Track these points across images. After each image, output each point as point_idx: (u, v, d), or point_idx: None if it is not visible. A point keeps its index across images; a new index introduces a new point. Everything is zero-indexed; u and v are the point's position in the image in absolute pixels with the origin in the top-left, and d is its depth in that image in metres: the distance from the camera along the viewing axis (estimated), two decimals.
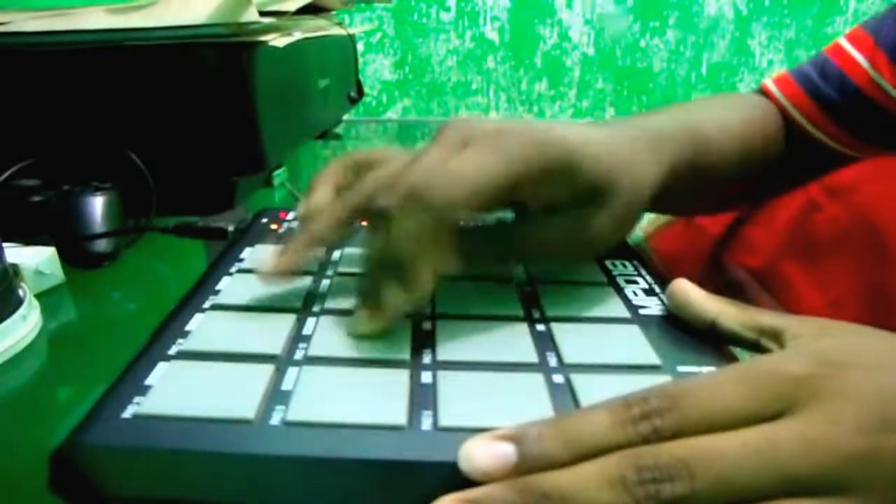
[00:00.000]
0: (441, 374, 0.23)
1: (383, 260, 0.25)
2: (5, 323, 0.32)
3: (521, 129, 0.27)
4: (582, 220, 0.29)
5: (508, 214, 0.31)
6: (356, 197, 0.29)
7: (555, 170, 0.27)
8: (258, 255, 0.33)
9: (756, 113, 0.47)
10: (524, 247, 0.29)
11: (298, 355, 0.24)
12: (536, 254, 0.30)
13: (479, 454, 0.19)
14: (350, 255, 0.34)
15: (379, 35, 1.44)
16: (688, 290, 0.27)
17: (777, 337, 0.24)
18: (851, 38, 0.47)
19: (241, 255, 0.33)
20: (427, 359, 0.24)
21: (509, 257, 0.30)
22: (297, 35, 0.54)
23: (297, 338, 0.25)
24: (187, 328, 0.26)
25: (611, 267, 0.33)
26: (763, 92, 0.49)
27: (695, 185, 0.38)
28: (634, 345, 0.26)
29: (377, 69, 1.46)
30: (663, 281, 0.32)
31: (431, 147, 0.26)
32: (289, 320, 0.26)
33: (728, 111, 0.45)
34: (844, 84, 0.46)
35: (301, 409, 0.21)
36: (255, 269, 0.29)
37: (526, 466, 0.18)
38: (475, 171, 0.25)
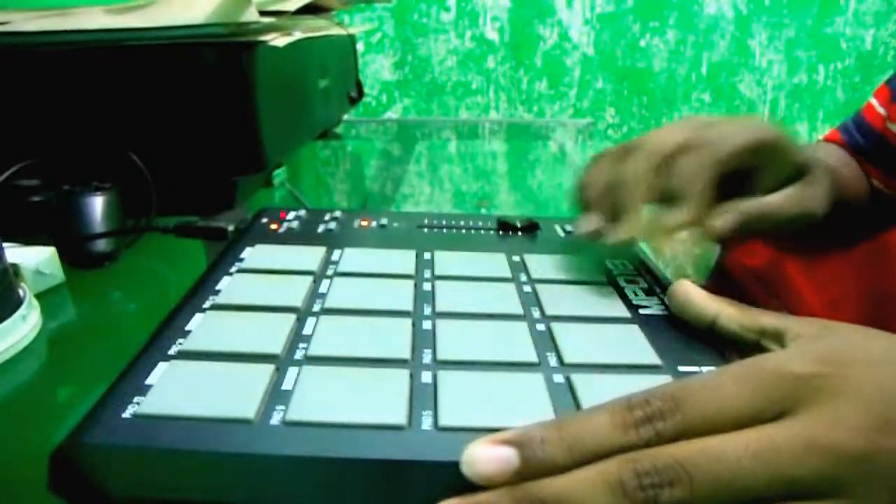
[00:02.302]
0: (441, 373, 0.23)
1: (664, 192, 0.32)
2: (5, 323, 0.32)
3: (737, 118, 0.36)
4: (797, 190, 0.35)
5: None
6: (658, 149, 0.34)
7: (777, 144, 0.34)
8: (259, 254, 0.33)
9: (842, 157, 0.53)
10: (763, 211, 0.34)
11: (298, 355, 0.24)
12: (772, 219, 0.34)
13: (481, 458, 0.19)
14: (350, 254, 0.34)
15: (379, 35, 1.44)
16: (689, 291, 0.27)
17: (778, 337, 0.24)
18: (878, 95, 0.54)
19: (241, 255, 0.33)
20: (427, 358, 0.24)
21: (751, 220, 0.34)
22: (297, 35, 0.54)
23: (297, 338, 0.25)
24: (187, 328, 0.26)
25: (611, 267, 0.33)
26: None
27: (831, 221, 0.41)
28: (634, 345, 0.26)
29: (377, 69, 1.46)
30: (663, 281, 0.32)
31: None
32: (289, 320, 0.26)
33: (838, 158, 0.52)
34: (871, 133, 0.53)
35: (301, 408, 0.21)
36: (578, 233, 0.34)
37: (528, 471, 0.18)
38: (737, 132, 0.33)
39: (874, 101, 0.54)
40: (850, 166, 0.53)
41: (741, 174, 0.34)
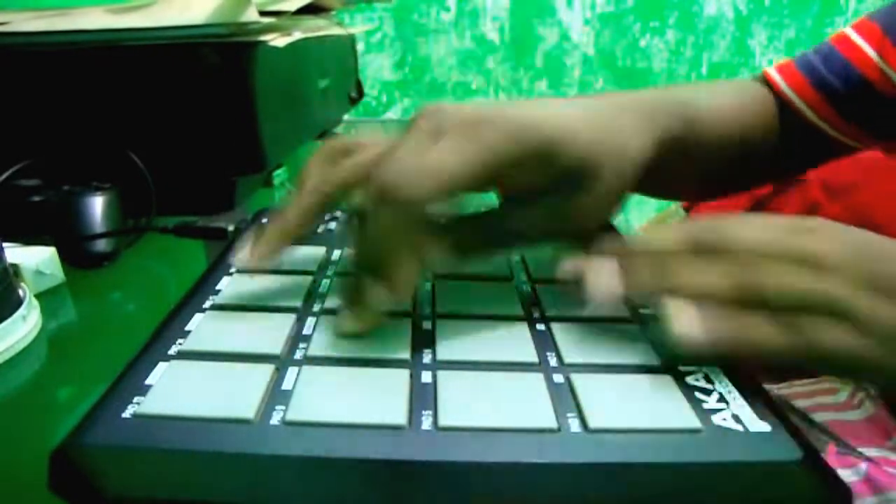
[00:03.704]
0: (441, 373, 0.23)
1: (362, 259, 0.25)
2: (5, 323, 0.32)
3: (496, 115, 0.26)
4: (566, 203, 0.28)
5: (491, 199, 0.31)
6: (326, 186, 0.29)
7: (531, 158, 0.26)
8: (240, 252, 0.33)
9: (749, 97, 0.46)
10: (509, 232, 0.29)
11: (298, 355, 0.24)
12: (522, 238, 0.29)
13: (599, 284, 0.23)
14: (350, 255, 0.34)
15: (379, 35, 1.44)
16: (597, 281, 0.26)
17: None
18: (858, 29, 0.46)
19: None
20: (427, 359, 0.24)
21: (495, 245, 0.30)
22: (297, 35, 0.54)
23: (297, 338, 0.25)
24: (187, 328, 0.26)
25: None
26: (764, 79, 0.49)
27: (684, 164, 0.37)
28: (634, 345, 0.26)
29: (377, 69, 1.46)
30: None
31: (405, 138, 0.26)
32: (289, 320, 0.26)
33: (721, 93, 0.45)
34: (850, 74, 0.46)
35: (301, 408, 0.21)
36: (235, 263, 0.30)
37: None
38: (447, 164, 0.24)
39: (854, 36, 0.46)
40: (756, 108, 0.46)
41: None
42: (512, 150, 0.26)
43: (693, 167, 0.39)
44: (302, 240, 0.30)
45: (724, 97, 0.43)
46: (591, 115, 0.29)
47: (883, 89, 0.45)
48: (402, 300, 0.25)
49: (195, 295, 0.29)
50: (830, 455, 0.45)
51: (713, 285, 0.24)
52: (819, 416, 0.49)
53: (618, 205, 0.30)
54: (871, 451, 0.45)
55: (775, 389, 0.52)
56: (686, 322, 0.23)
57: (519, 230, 0.29)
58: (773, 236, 0.24)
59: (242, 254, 0.29)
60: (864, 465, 0.43)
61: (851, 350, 0.23)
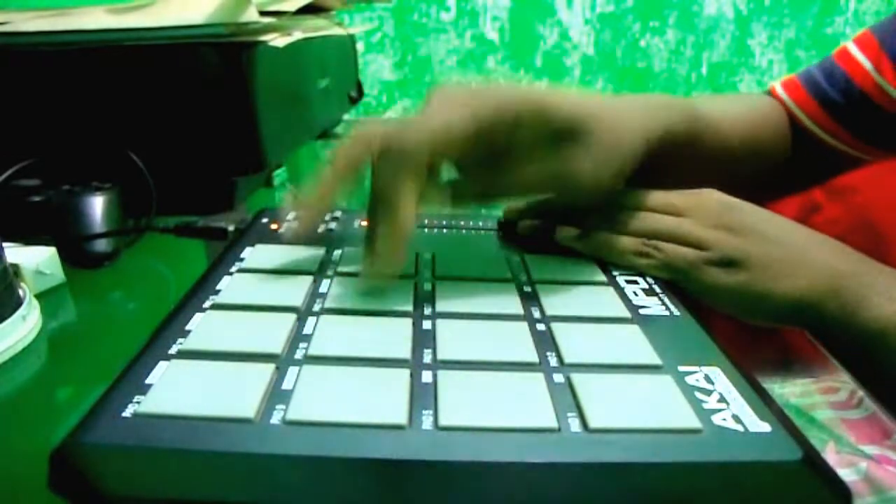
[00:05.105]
0: (441, 373, 0.23)
1: (371, 206, 0.28)
2: (5, 323, 0.32)
3: (494, 86, 0.31)
4: (559, 157, 0.31)
5: None
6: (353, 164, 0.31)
7: (524, 113, 0.30)
8: (259, 254, 0.33)
9: (763, 109, 0.48)
10: (506, 184, 0.32)
11: (298, 355, 0.24)
12: (516, 190, 0.33)
13: None
14: (350, 254, 0.34)
15: (379, 35, 1.44)
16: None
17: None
18: (859, 42, 0.48)
19: (242, 255, 0.33)
20: (427, 358, 0.24)
21: (492, 194, 0.33)
22: (297, 35, 0.54)
23: (297, 337, 0.25)
24: (187, 327, 0.26)
25: (611, 267, 0.33)
26: (771, 94, 0.49)
27: (694, 161, 0.38)
28: (634, 345, 0.26)
29: (377, 69, 1.46)
30: (664, 281, 0.32)
31: (418, 111, 0.29)
32: (289, 320, 0.26)
33: (733, 102, 0.46)
34: (849, 87, 0.47)
35: (301, 408, 0.21)
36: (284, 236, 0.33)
37: None
38: (443, 119, 0.28)
39: (854, 50, 0.48)
40: (769, 119, 0.47)
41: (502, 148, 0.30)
42: (504, 107, 0.29)
43: (700, 164, 0.40)
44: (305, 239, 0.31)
45: (737, 105, 0.46)
46: (593, 94, 0.33)
47: (880, 102, 0.46)
48: (405, 235, 0.27)
49: (195, 295, 0.29)
50: (830, 454, 0.45)
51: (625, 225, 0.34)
52: (819, 415, 0.49)
53: (613, 169, 0.33)
54: (871, 450, 0.45)
55: (775, 388, 0.52)
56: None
57: (515, 183, 0.32)
58: (663, 201, 0.33)
59: (288, 229, 0.33)
60: (864, 464, 0.43)
61: (693, 263, 0.31)
